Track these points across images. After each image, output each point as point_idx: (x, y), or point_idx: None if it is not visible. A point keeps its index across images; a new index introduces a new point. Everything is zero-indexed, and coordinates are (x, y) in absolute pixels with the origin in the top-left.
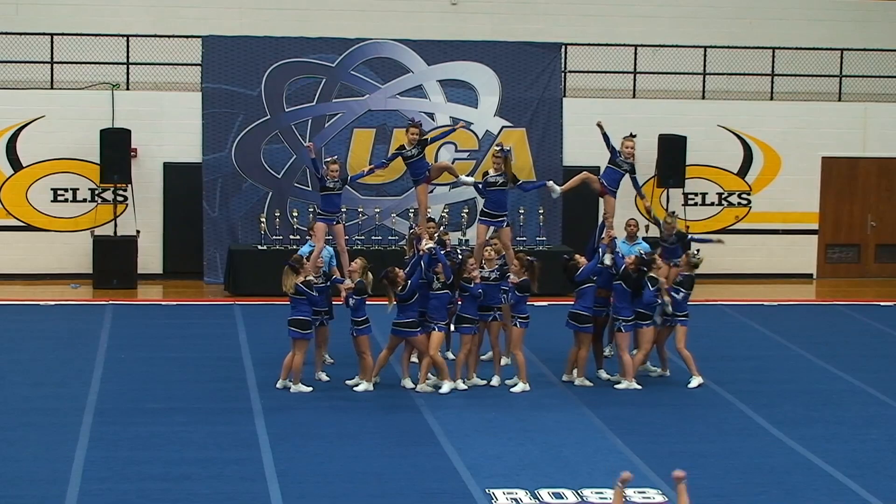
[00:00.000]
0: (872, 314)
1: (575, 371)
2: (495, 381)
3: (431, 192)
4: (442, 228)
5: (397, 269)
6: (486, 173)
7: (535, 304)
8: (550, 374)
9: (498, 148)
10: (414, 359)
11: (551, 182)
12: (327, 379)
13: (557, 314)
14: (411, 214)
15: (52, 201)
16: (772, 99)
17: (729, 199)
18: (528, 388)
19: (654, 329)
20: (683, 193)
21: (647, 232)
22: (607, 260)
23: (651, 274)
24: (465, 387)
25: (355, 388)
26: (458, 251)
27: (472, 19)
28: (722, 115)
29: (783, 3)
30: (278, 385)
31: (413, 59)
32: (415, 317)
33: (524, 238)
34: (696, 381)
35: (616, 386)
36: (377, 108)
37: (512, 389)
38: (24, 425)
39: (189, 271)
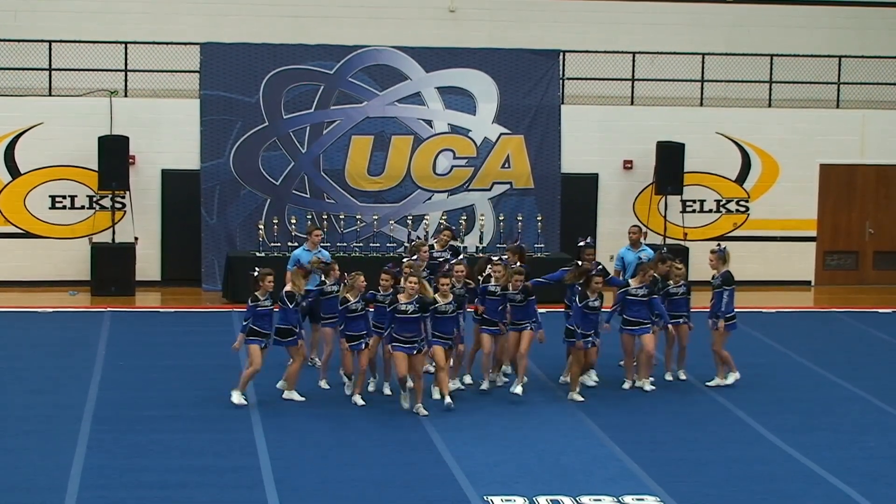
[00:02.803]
0: (871, 321)
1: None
2: (485, 385)
3: (429, 199)
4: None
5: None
6: (486, 279)
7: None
8: (548, 380)
9: (497, 258)
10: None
11: None
12: (327, 387)
13: (556, 321)
14: (409, 221)
15: (50, 208)
16: (770, 106)
17: (727, 206)
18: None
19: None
20: (682, 200)
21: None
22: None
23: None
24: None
25: (354, 399)
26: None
27: (470, 26)
28: (720, 122)
29: (781, 10)
30: (278, 385)
31: (411, 66)
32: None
33: (522, 245)
34: (715, 382)
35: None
36: (375, 115)
37: (513, 390)
38: (23, 433)
39: (187, 278)
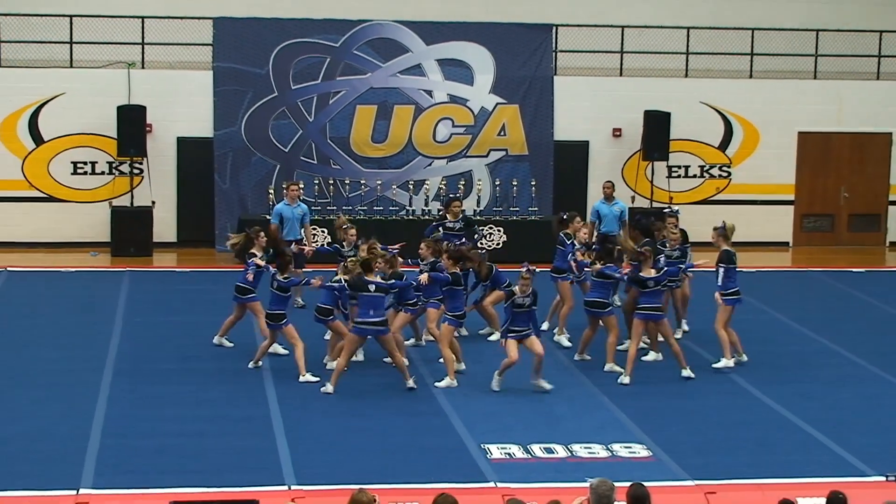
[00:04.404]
0: (845, 280)
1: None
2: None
3: (430, 164)
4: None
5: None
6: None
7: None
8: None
9: (524, 268)
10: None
11: None
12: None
13: (545, 279)
14: (411, 186)
15: (72, 174)
16: (751, 77)
17: (710, 171)
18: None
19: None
20: (668, 166)
21: None
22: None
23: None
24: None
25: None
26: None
27: (468, 1)
28: (704, 93)
29: None
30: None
31: (412, 39)
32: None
33: (517, 209)
34: (723, 363)
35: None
36: (378, 86)
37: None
38: (47, 385)
39: (201, 240)
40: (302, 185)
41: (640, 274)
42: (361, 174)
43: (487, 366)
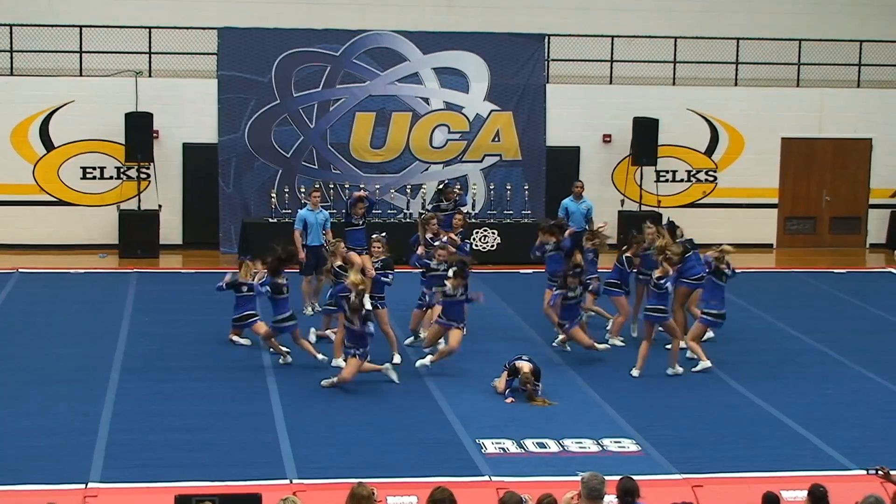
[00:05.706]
0: (827, 280)
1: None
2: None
3: (426, 169)
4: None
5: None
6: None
7: (521, 271)
8: (535, 336)
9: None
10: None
11: None
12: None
13: (538, 280)
14: (408, 190)
15: (81, 178)
16: (736, 85)
17: (697, 176)
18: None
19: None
20: (656, 171)
21: None
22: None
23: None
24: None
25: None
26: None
27: (464, 12)
28: (691, 100)
29: None
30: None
31: (410, 48)
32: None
33: (511, 212)
34: (701, 366)
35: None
36: (377, 94)
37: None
38: (58, 382)
39: (206, 242)
40: (303, 190)
41: (657, 274)
42: (361, 179)
43: (482, 364)
